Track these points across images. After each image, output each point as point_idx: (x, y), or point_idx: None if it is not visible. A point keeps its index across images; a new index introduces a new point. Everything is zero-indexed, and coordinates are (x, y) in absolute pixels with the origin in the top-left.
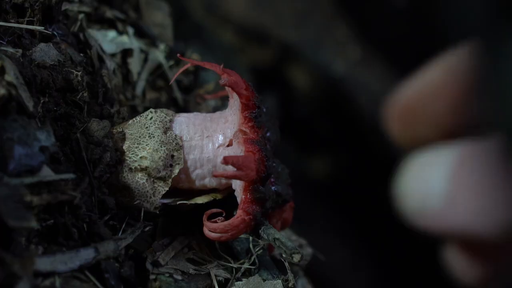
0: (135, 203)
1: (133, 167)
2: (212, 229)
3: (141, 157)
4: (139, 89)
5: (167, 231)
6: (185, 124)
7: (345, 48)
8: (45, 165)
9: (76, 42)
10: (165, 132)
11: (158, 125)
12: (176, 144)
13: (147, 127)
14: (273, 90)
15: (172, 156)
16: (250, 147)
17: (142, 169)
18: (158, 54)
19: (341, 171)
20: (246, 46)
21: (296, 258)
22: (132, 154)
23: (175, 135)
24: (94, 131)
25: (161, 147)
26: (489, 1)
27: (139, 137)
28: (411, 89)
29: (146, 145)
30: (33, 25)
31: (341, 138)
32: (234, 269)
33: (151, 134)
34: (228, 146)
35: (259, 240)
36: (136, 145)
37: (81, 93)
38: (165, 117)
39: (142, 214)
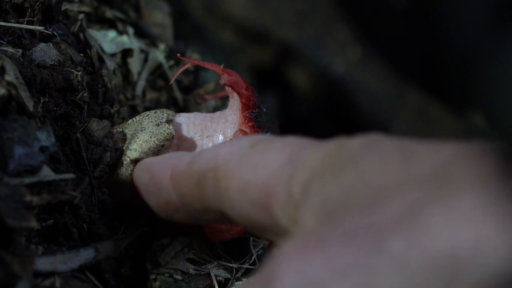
0: (132, 197)
1: (124, 162)
2: (213, 228)
3: (131, 150)
4: (139, 89)
5: (167, 231)
6: (185, 124)
7: (345, 48)
8: (45, 165)
9: (76, 42)
10: (157, 125)
11: (151, 119)
12: (168, 134)
13: (141, 123)
14: (273, 90)
15: (163, 145)
16: None
17: (132, 162)
18: (158, 54)
19: None
20: (246, 46)
21: None
22: (126, 150)
23: (168, 126)
24: (94, 131)
25: (151, 138)
26: (489, 1)
27: (134, 134)
28: None
29: (137, 138)
30: (33, 25)
31: None
32: (234, 269)
33: (143, 127)
34: None
35: (259, 240)
36: (131, 141)
37: (81, 93)
38: (162, 113)
39: (142, 214)
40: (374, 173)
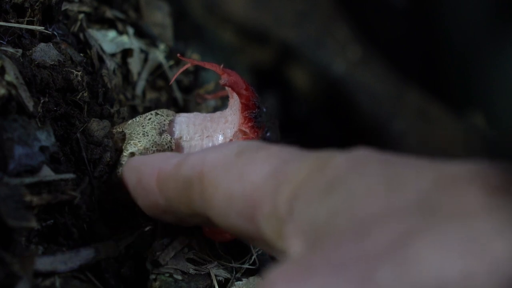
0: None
1: (123, 163)
2: (213, 229)
3: (130, 153)
4: (139, 89)
5: (167, 231)
6: (185, 124)
7: (345, 48)
8: (45, 165)
9: (76, 42)
10: (160, 134)
11: (154, 125)
12: (168, 147)
13: (143, 126)
14: (273, 90)
15: (159, 151)
16: None
17: None
18: (158, 54)
19: None
20: (246, 46)
21: None
22: (125, 150)
23: (170, 139)
24: (94, 131)
25: (152, 147)
26: (489, 1)
27: (133, 133)
28: None
29: (138, 141)
30: (33, 25)
31: (340, 138)
32: (234, 269)
33: (146, 132)
34: None
35: None
36: (129, 141)
37: (81, 93)
38: (164, 120)
39: (142, 214)
40: (359, 199)
